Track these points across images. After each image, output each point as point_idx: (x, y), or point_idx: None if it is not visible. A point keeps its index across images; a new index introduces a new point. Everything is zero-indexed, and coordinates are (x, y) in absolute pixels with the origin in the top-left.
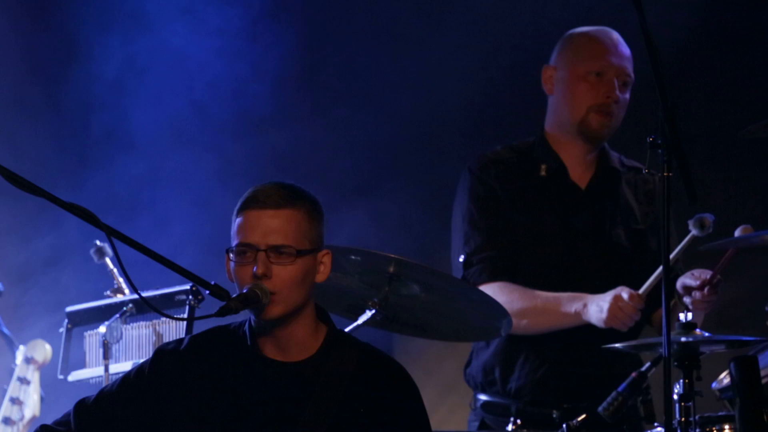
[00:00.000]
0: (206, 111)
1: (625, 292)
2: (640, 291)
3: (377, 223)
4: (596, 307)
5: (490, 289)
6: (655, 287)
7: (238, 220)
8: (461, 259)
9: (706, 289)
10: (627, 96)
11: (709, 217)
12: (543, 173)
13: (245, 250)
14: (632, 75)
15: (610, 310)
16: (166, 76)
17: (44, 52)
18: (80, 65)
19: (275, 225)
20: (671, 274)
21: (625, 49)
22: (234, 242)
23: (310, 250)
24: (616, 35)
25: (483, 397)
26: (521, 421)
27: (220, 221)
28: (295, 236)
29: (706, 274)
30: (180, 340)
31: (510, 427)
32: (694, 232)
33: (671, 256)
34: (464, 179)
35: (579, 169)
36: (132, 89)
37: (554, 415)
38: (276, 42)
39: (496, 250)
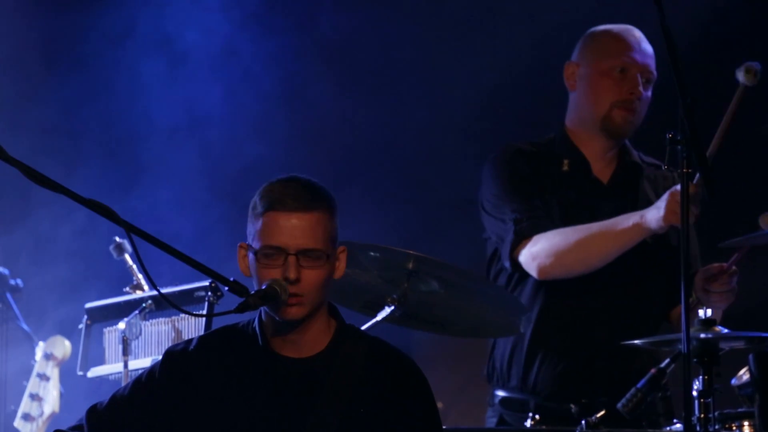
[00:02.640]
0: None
1: (679, 187)
2: (694, 181)
3: (396, 220)
4: (654, 210)
5: (544, 235)
6: (675, 282)
7: (264, 220)
8: (511, 219)
9: (721, 278)
10: (649, 93)
11: (756, 65)
12: (566, 168)
13: (273, 252)
14: (655, 72)
15: (668, 206)
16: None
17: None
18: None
19: (305, 228)
20: (691, 270)
21: (648, 47)
22: (258, 242)
23: (333, 251)
24: (639, 33)
25: (501, 393)
26: (539, 416)
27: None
28: (323, 239)
29: (724, 266)
30: (189, 341)
31: (528, 422)
32: (743, 81)
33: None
34: (489, 167)
35: (601, 164)
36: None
37: (573, 411)
38: (275, 37)
39: (544, 213)
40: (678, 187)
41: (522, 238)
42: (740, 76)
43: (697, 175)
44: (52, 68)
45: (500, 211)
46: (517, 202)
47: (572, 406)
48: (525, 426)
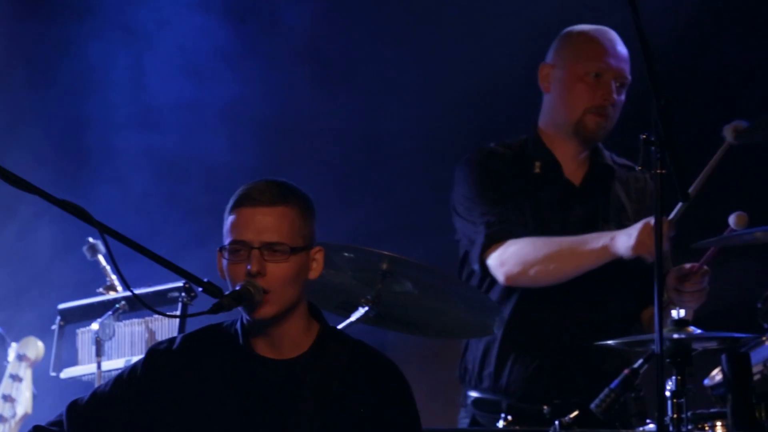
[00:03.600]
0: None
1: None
2: (669, 217)
3: (371, 221)
4: (625, 236)
5: (515, 242)
6: (648, 281)
7: (231, 217)
8: (482, 222)
9: (693, 278)
10: (623, 97)
11: (743, 124)
12: (537, 170)
13: (239, 248)
14: (629, 77)
15: (639, 237)
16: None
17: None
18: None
19: (269, 222)
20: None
21: (623, 51)
22: (227, 240)
23: (303, 248)
24: (614, 35)
25: (474, 394)
26: (512, 417)
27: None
28: (288, 234)
29: (695, 266)
30: (172, 340)
31: (501, 423)
32: (729, 139)
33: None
34: (462, 169)
35: (573, 166)
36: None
37: (545, 411)
38: (272, 31)
39: (516, 218)
40: (651, 219)
41: (492, 242)
42: (727, 134)
43: (675, 210)
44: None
45: (472, 214)
46: (488, 206)
47: (545, 407)
48: (498, 426)
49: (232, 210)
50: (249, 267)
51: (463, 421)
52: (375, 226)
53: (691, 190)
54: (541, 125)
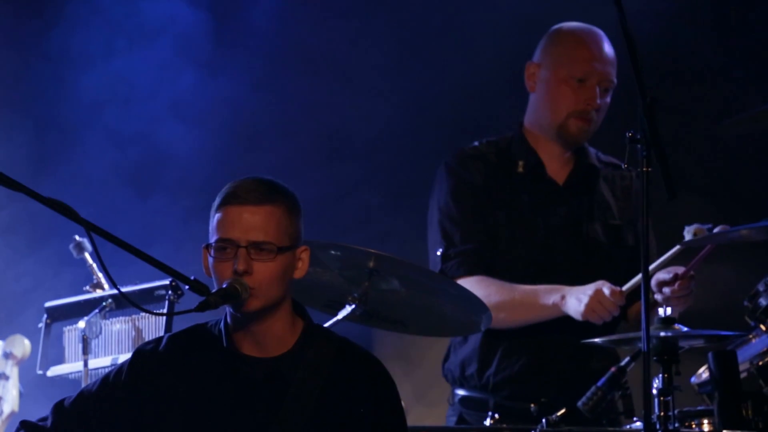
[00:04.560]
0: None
1: (606, 288)
2: (623, 288)
3: (357, 219)
4: (575, 300)
5: (468, 283)
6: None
7: (218, 215)
8: (439, 252)
9: (677, 284)
10: (608, 100)
11: (704, 227)
12: (520, 170)
13: (225, 246)
14: (615, 80)
15: (589, 303)
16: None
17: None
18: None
19: (256, 221)
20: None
21: (610, 52)
22: (213, 238)
23: (289, 247)
24: (601, 36)
25: (461, 392)
26: (499, 415)
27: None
28: (275, 233)
29: (681, 270)
30: (158, 340)
31: (488, 421)
32: (688, 237)
33: (654, 266)
34: (442, 174)
35: (556, 165)
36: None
37: (532, 410)
38: (268, 29)
39: (474, 245)
40: (604, 288)
41: (444, 275)
42: (687, 234)
43: (631, 282)
44: None
45: (436, 232)
46: (452, 231)
47: (531, 405)
48: (485, 425)
49: (219, 208)
50: (236, 266)
51: (450, 419)
52: (362, 223)
53: (625, 288)
54: (525, 124)
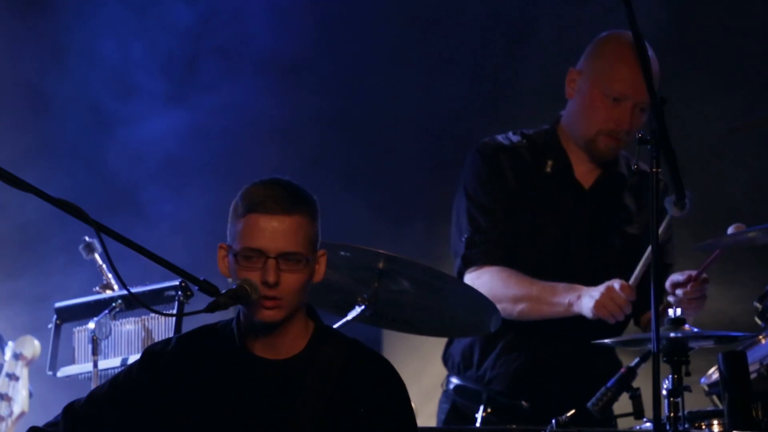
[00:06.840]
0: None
1: (617, 283)
2: (630, 281)
3: (367, 219)
4: (588, 297)
5: (489, 272)
6: (645, 286)
7: (244, 222)
8: (464, 237)
9: (689, 286)
10: (644, 118)
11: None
12: (548, 169)
13: (253, 255)
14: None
15: (600, 299)
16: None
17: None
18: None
19: (285, 231)
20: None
21: (654, 69)
22: (238, 244)
23: (314, 254)
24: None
25: (455, 380)
26: (491, 409)
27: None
28: (303, 242)
29: (694, 272)
30: (168, 340)
31: (480, 413)
32: (671, 212)
33: (638, 269)
34: (472, 160)
35: (584, 169)
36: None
37: (524, 407)
38: (268, 33)
39: (500, 234)
40: (615, 284)
41: (469, 264)
42: (668, 206)
43: (635, 273)
44: None
45: (464, 217)
46: (480, 218)
47: (523, 402)
48: (476, 417)
49: (245, 214)
50: (266, 277)
51: (443, 406)
52: (372, 224)
53: (632, 280)
54: (562, 121)
